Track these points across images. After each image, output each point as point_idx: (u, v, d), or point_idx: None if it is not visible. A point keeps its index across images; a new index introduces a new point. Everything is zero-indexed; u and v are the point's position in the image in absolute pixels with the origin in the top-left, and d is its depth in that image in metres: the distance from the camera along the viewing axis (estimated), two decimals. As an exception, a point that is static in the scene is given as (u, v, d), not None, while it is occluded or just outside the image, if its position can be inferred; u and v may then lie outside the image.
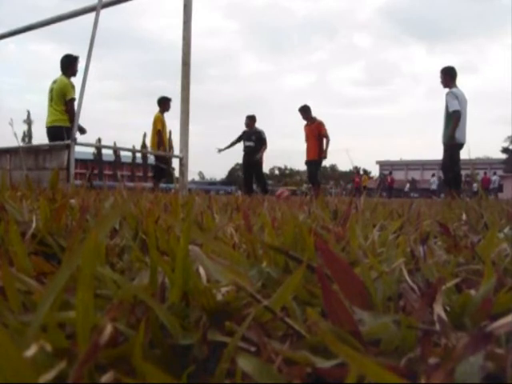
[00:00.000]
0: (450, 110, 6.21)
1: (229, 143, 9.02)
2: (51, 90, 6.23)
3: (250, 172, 8.94)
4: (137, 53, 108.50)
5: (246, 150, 8.84)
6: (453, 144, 6.22)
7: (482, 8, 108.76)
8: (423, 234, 0.92)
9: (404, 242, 0.75)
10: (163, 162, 7.68)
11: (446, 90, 6.35)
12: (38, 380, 0.27)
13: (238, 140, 8.95)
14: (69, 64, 6.16)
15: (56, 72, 6.25)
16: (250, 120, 8.92)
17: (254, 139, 8.79)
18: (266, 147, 8.89)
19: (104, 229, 0.38)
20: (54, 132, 6.03)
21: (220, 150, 9.04)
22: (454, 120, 6.16)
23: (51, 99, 6.21)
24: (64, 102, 6.04)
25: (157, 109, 7.99)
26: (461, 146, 6.31)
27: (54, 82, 6.25)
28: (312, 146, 8.23)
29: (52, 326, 0.34)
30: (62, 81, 6.14)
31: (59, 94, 6.09)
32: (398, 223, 1.02)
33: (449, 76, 6.38)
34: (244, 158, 8.96)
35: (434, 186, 30.16)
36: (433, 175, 33.05)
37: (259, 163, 8.90)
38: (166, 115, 8.08)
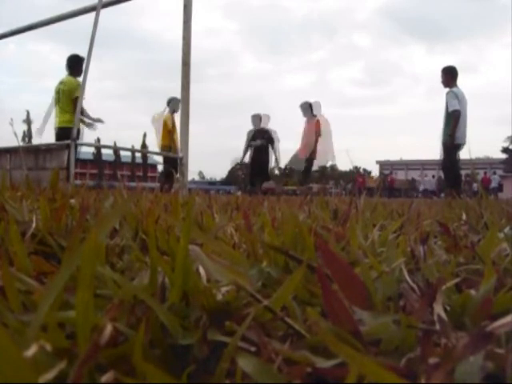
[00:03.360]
0: (450, 109, 6.21)
1: (244, 150, 8.79)
2: (58, 91, 6.21)
3: (256, 170, 8.69)
4: (137, 53, 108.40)
5: (255, 147, 8.62)
6: (452, 144, 6.22)
7: (482, 8, 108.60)
8: (423, 233, 0.91)
9: (404, 241, 0.75)
10: (172, 165, 7.55)
11: (447, 89, 6.35)
12: (38, 380, 0.27)
13: (249, 142, 8.72)
14: (75, 64, 6.15)
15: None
16: (256, 119, 8.71)
17: (262, 138, 8.60)
18: (275, 147, 8.68)
19: (104, 229, 0.38)
20: (61, 132, 6.01)
21: (241, 163, 8.87)
22: (453, 119, 6.16)
23: (59, 100, 6.20)
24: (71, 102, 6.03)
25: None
26: (460, 146, 6.31)
27: (61, 82, 6.23)
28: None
29: (52, 326, 0.34)
30: (71, 81, 6.13)
31: (68, 94, 6.08)
32: (398, 223, 1.01)
33: (450, 76, 6.38)
34: (252, 156, 8.71)
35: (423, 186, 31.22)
36: (425, 175, 34.16)
37: (267, 163, 8.75)
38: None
